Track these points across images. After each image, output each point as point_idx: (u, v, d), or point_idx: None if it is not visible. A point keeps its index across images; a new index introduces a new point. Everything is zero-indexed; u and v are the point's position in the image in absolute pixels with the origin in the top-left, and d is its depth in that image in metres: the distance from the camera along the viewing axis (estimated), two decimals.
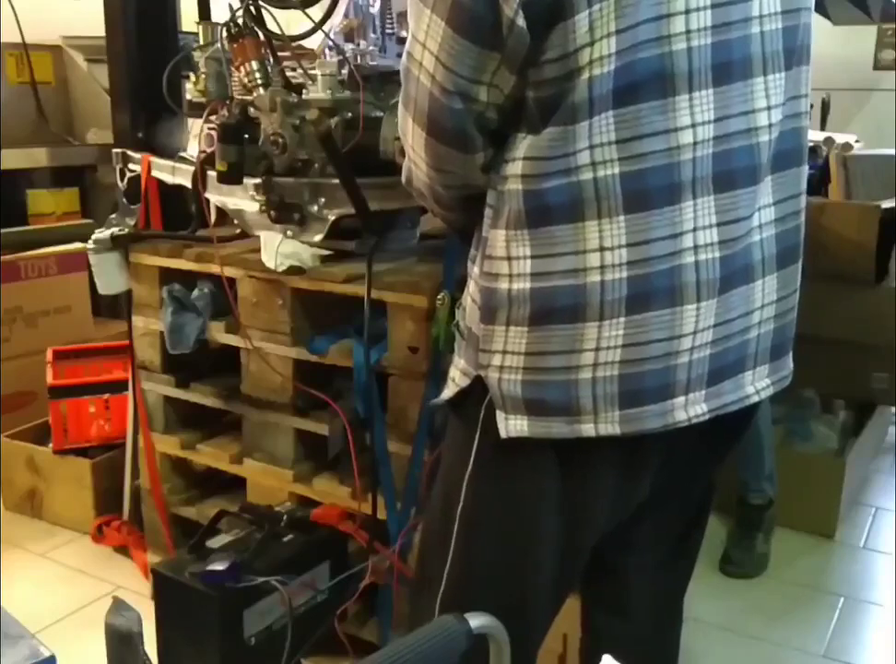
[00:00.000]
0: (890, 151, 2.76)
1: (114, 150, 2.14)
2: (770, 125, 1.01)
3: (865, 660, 2.08)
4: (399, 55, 1.99)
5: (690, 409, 1.03)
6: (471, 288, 1.10)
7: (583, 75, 0.92)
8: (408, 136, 1.06)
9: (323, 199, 1.74)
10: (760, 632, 2.15)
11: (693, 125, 0.96)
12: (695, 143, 0.97)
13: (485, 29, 0.94)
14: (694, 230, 0.98)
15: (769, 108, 1.01)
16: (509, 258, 1.01)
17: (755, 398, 1.09)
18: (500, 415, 1.04)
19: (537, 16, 0.91)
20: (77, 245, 3.00)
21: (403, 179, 1.17)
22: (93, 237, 2.04)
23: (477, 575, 1.14)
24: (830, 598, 2.29)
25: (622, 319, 0.98)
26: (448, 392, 1.13)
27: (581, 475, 1.07)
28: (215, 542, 1.66)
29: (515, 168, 0.99)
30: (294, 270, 1.76)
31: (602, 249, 0.97)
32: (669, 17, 0.93)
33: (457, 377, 1.12)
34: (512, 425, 1.03)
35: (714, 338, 1.02)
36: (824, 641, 2.12)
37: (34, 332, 2.96)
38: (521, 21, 0.92)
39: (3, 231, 2.96)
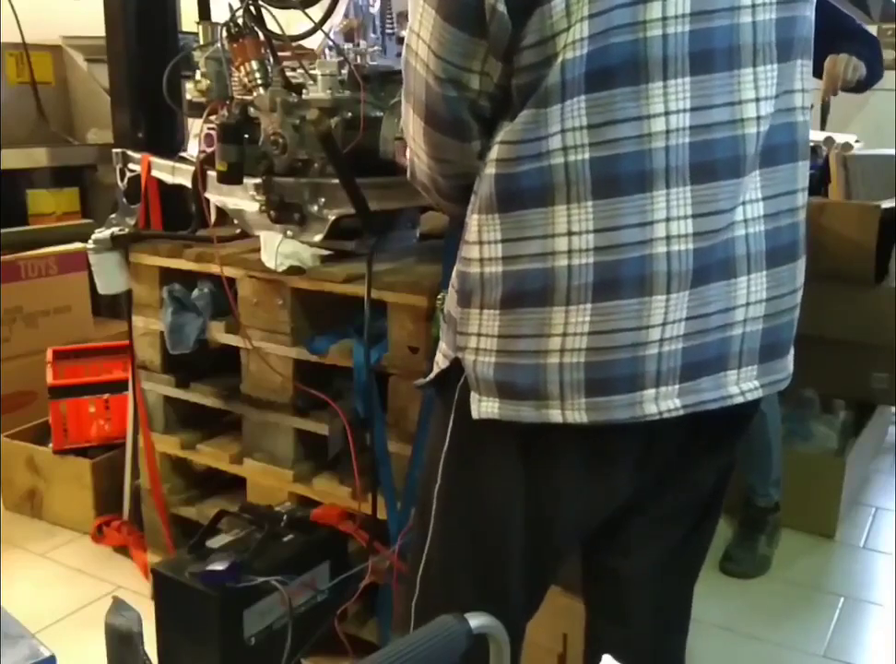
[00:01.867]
0: (890, 151, 2.76)
1: (114, 150, 2.14)
2: (758, 118, 0.99)
3: (865, 660, 2.08)
4: (399, 55, 2.00)
5: (662, 402, 1.01)
6: (452, 273, 1.11)
7: (557, 59, 0.93)
8: (409, 126, 1.07)
9: (323, 199, 1.75)
10: (760, 632, 2.15)
11: (666, 113, 0.95)
12: (668, 131, 0.95)
13: (470, 16, 0.95)
14: (667, 219, 0.97)
15: (757, 100, 0.99)
16: (480, 242, 1.02)
17: (739, 400, 1.06)
18: (473, 396, 1.05)
19: (517, 1, 0.92)
20: (77, 245, 3.01)
21: (408, 174, 1.17)
22: (93, 237, 2.04)
23: (453, 556, 1.15)
24: (830, 598, 2.29)
25: (589, 305, 0.98)
26: (431, 374, 1.15)
27: (547, 460, 1.07)
28: (215, 542, 1.66)
29: (492, 153, 1.00)
30: (294, 270, 1.76)
31: (570, 234, 0.97)
32: (645, 3, 0.93)
33: (440, 360, 1.13)
34: (485, 407, 1.04)
35: (687, 332, 1.00)
36: (824, 641, 2.13)
37: (34, 332, 2.96)
38: (501, 7, 0.93)
39: (3, 230, 2.96)
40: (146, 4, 2.18)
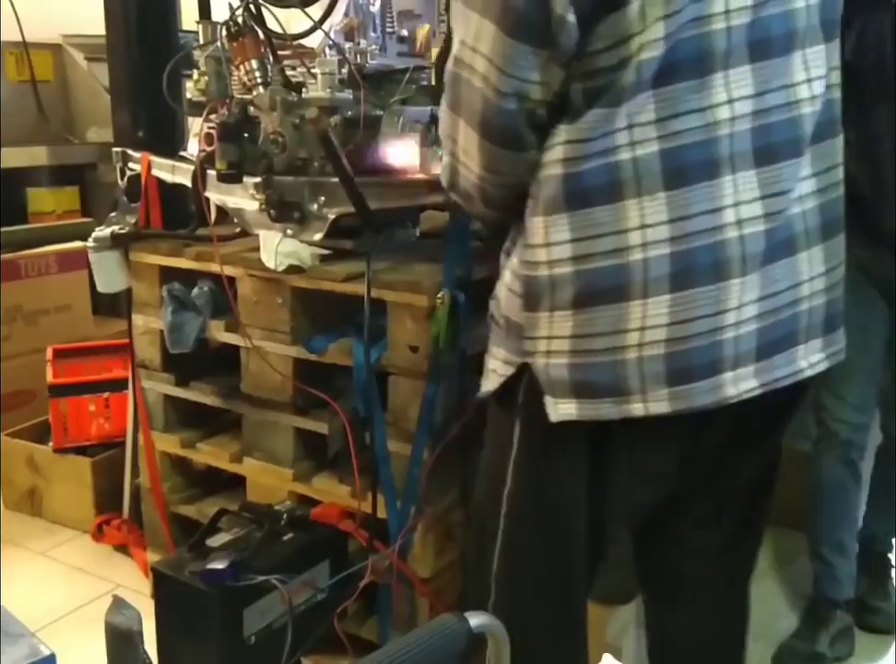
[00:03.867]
0: None
1: (114, 149, 2.14)
2: (812, 97, 1.03)
3: (864, 660, 2.08)
4: (400, 54, 2.00)
5: (741, 384, 1.03)
6: (507, 278, 1.10)
7: (633, 60, 0.94)
8: (459, 138, 1.06)
9: (322, 198, 1.74)
10: (761, 631, 2.15)
11: (730, 101, 0.98)
12: (732, 118, 0.98)
13: (536, 29, 0.95)
14: (736, 204, 0.99)
15: (809, 80, 1.02)
16: (548, 244, 1.02)
17: (808, 373, 1.09)
18: (548, 400, 1.05)
19: (588, 9, 0.93)
20: (77, 244, 3.01)
21: (444, 182, 1.16)
22: (93, 235, 2.04)
23: (526, 551, 1.17)
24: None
25: (667, 297, 0.99)
26: (491, 384, 1.14)
27: (610, 455, 1.09)
28: (215, 541, 1.66)
29: (555, 154, 1.00)
30: (293, 269, 1.76)
31: (643, 227, 0.98)
32: None
33: (499, 368, 1.12)
34: (562, 409, 1.04)
35: (760, 312, 1.03)
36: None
37: (34, 330, 2.96)
38: (571, 17, 0.93)
39: (3, 229, 2.96)
40: (146, 2, 2.18)
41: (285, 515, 1.74)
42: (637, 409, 1.02)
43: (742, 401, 1.04)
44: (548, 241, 1.02)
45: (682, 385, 1.01)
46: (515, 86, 0.98)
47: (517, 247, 1.08)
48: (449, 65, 1.03)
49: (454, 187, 1.15)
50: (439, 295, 1.59)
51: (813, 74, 1.03)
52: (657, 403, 1.01)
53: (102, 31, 2.23)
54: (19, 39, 3.20)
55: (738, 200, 0.99)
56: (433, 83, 1.85)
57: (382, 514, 1.73)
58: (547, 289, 1.03)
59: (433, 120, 1.77)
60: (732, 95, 0.98)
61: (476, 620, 0.79)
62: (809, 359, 1.09)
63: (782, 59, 1.00)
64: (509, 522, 1.16)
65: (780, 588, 2.34)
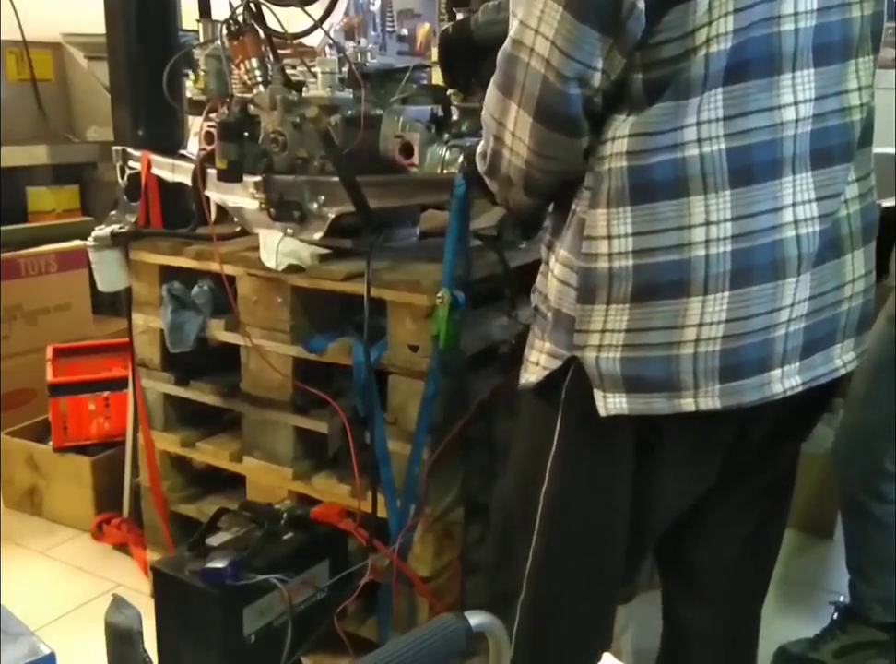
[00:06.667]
0: (890, 150, 2.76)
1: (114, 148, 2.14)
2: (861, 105, 1.05)
3: None
4: (400, 53, 2.01)
5: (786, 381, 1.05)
6: (557, 270, 1.09)
7: (699, 52, 0.95)
8: (509, 121, 1.05)
9: (322, 197, 1.74)
10: (761, 632, 2.14)
11: (795, 103, 0.99)
12: (797, 120, 1.00)
13: (605, 14, 0.95)
14: (793, 204, 1.01)
15: (860, 89, 1.04)
16: (609, 237, 1.02)
17: (842, 371, 1.12)
18: (597, 394, 1.05)
19: None
20: (77, 243, 3.00)
21: (481, 167, 1.16)
22: (93, 234, 2.04)
23: (564, 550, 1.17)
24: (829, 597, 2.28)
25: (726, 294, 0.99)
26: (534, 376, 1.14)
27: (656, 453, 1.09)
28: (215, 540, 1.66)
29: (619, 146, 1.00)
30: (293, 268, 1.76)
31: (708, 223, 0.98)
32: None
33: (543, 360, 1.12)
34: (612, 403, 1.04)
35: (809, 311, 1.05)
36: None
37: (34, 330, 2.96)
38: (641, 4, 0.93)
39: (3, 228, 2.95)
40: (146, 1, 2.18)
41: (285, 515, 1.74)
42: (688, 404, 1.02)
43: (784, 398, 1.05)
44: (609, 233, 1.01)
45: (733, 381, 1.02)
46: (579, 70, 0.98)
47: (563, 239, 1.08)
48: (505, 46, 1.03)
49: (494, 172, 1.13)
50: (438, 294, 1.58)
51: (863, 82, 1.05)
52: (708, 399, 1.02)
53: (102, 31, 2.23)
54: (19, 38, 3.20)
55: (796, 201, 1.01)
56: (433, 82, 1.85)
57: (382, 513, 1.73)
58: (605, 281, 1.03)
59: (433, 119, 1.77)
60: (797, 97, 0.99)
61: (476, 619, 0.79)
62: (844, 357, 1.11)
63: (839, 66, 1.02)
64: (547, 519, 1.15)
65: (780, 588, 2.34)
